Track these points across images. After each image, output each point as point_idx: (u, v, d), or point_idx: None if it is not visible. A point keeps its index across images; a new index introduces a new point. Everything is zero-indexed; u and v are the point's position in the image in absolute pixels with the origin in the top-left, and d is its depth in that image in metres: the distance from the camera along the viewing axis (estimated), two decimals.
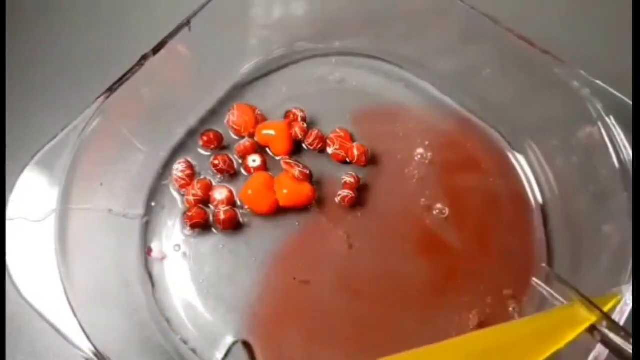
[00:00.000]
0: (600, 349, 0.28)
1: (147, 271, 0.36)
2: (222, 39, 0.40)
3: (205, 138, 0.39)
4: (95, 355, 0.28)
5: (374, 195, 0.39)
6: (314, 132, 0.39)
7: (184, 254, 0.37)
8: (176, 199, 0.38)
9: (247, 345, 0.34)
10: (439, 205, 0.38)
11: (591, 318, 0.27)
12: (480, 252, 0.37)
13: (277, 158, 0.39)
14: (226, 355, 0.34)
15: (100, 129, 0.33)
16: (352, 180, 0.38)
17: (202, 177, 0.39)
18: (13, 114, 0.42)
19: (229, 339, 0.34)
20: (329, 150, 0.40)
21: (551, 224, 0.38)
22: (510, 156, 0.40)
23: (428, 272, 0.37)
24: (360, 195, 0.38)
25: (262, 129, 0.39)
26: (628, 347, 0.26)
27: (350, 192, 0.38)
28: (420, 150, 0.40)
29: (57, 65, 0.45)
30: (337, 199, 0.38)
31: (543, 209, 0.39)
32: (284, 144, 0.39)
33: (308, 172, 0.38)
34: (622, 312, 0.29)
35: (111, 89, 0.34)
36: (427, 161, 0.40)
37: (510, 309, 0.35)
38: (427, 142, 0.40)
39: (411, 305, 0.36)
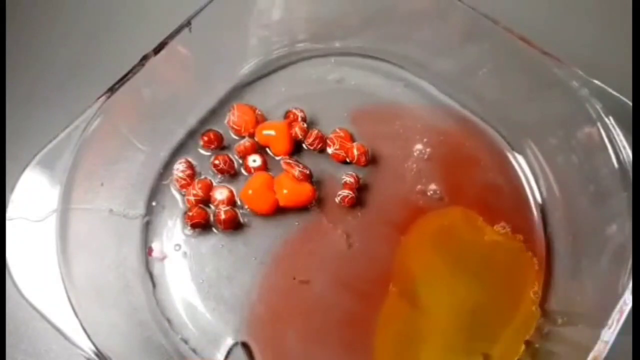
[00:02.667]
0: (600, 347, 0.28)
1: (147, 271, 0.36)
2: (222, 39, 0.40)
3: (205, 138, 0.39)
4: (96, 354, 0.28)
5: (374, 195, 0.39)
6: (314, 132, 0.39)
7: (185, 254, 0.37)
8: (177, 199, 0.38)
9: (246, 346, 0.34)
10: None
11: None
12: None
13: (277, 158, 0.39)
14: (227, 356, 0.34)
15: (101, 129, 0.33)
16: (352, 180, 0.38)
17: (202, 177, 0.39)
18: (14, 113, 0.42)
19: (229, 340, 0.34)
20: (329, 150, 0.40)
21: (551, 224, 0.38)
22: (510, 156, 0.40)
23: None
24: (360, 195, 0.38)
25: (262, 129, 0.40)
26: None
27: (350, 192, 0.38)
28: (419, 147, 0.40)
29: (58, 65, 0.45)
30: (337, 199, 0.38)
31: (543, 209, 0.39)
32: (284, 144, 0.39)
33: (308, 172, 0.38)
34: (622, 311, 0.29)
35: (112, 89, 0.34)
36: (425, 157, 0.40)
37: None
38: (425, 140, 0.40)
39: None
